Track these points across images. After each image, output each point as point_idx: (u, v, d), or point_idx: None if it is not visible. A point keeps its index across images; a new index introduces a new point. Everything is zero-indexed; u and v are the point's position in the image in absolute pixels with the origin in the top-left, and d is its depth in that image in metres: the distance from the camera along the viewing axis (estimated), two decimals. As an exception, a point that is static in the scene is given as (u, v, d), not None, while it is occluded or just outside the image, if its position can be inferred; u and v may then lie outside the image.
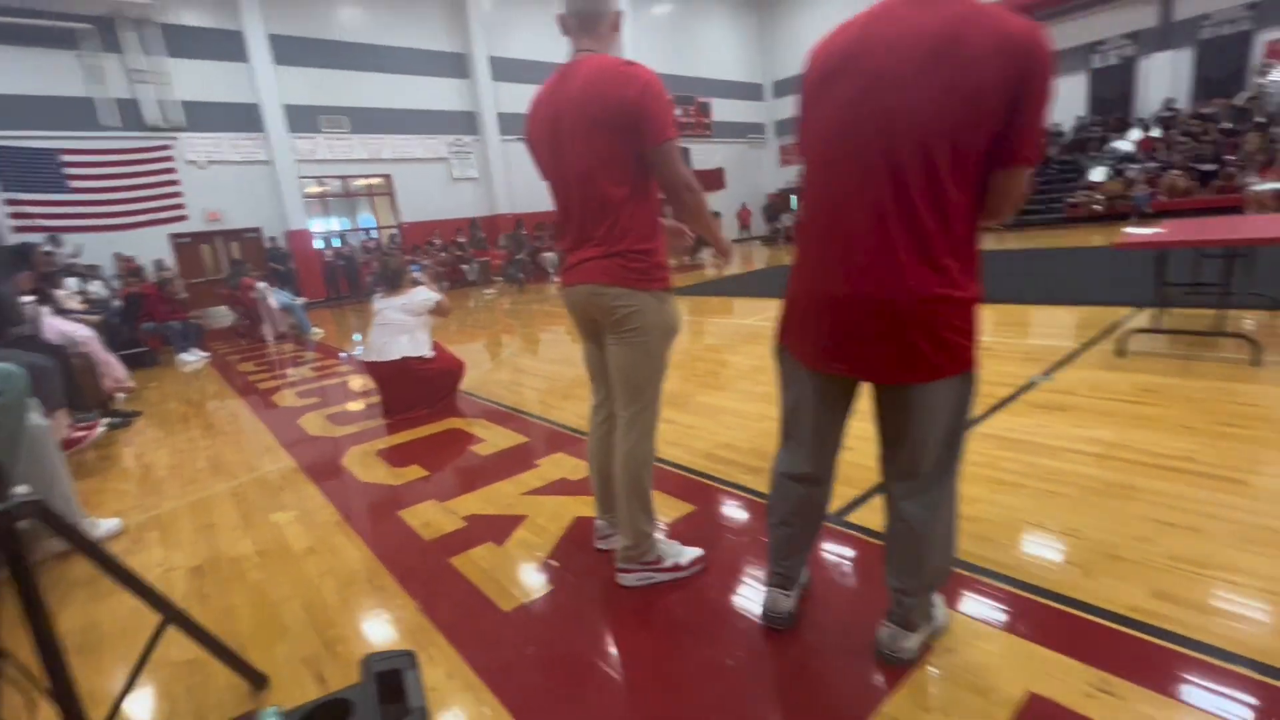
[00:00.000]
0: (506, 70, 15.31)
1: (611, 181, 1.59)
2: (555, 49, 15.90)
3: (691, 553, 1.92)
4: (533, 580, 1.95)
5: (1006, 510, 2.06)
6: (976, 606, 1.61)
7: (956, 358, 1.19)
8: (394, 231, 14.83)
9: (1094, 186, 12.74)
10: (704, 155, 19.88)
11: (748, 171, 20.85)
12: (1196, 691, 1.27)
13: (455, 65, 15.11)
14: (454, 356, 4.06)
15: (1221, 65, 13.45)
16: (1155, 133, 13.31)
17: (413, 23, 14.53)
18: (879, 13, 1.14)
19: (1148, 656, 1.38)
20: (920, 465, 1.30)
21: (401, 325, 3.70)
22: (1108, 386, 3.12)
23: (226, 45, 12.13)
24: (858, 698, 1.35)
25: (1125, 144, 13.42)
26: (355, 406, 4.35)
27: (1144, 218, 11.40)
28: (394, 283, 3.84)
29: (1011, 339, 4.36)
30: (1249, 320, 3.97)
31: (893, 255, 1.13)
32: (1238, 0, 13.00)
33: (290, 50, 12.86)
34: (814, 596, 1.72)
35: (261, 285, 8.23)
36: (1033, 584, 1.67)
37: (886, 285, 1.14)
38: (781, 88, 21.69)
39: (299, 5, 13.04)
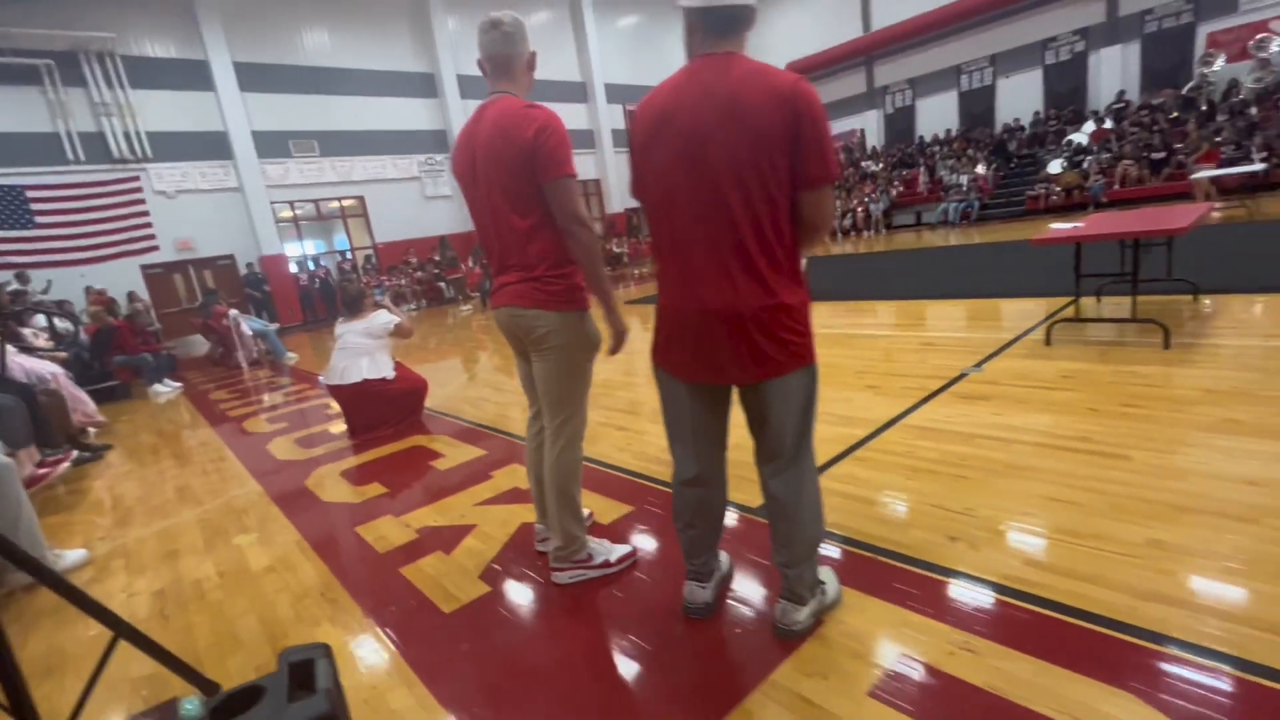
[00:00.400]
0: (475, 88, 15.46)
1: (518, 214, 1.74)
2: (522, 65, 16.08)
3: (621, 550, 2.06)
4: (474, 584, 2.08)
5: (916, 495, 2.23)
6: (868, 582, 1.76)
7: (795, 354, 1.40)
8: (368, 252, 14.90)
9: (1052, 179, 13.11)
10: (676, 163, 20.08)
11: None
12: (1046, 644, 1.43)
13: (423, 85, 15.26)
14: (416, 376, 4.18)
15: (1167, 57, 13.92)
16: (1108, 124, 13.73)
17: (379, 45, 14.67)
18: (682, 80, 1.36)
19: (1009, 618, 1.54)
20: (781, 448, 1.49)
21: (361, 348, 3.82)
22: (1031, 374, 3.31)
23: (191, 75, 12.19)
24: (751, 671, 1.50)
25: (1080, 136, 13.83)
26: (322, 429, 4.45)
27: (1100, 207, 11.78)
28: (354, 307, 3.96)
29: (954, 333, 4.56)
30: (1185, 306, 4.20)
31: (727, 275, 1.35)
32: (1178, -6, 13.49)
33: (256, 77, 12.94)
34: (734, 582, 1.87)
35: (234, 313, 8.29)
36: (921, 559, 1.83)
37: (726, 300, 1.35)
38: (749, 94, 21.98)
39: (263, 32, 13.13)
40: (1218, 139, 10.82)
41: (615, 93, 18.40)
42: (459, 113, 15.28)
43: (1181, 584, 1.57)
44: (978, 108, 16.92)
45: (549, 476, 1.95)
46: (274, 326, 8.79)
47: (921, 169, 15.97)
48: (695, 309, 1.39)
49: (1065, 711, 1.25)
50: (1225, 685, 1.26)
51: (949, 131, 17.28)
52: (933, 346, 4.20)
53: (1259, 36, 12.58)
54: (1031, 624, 1.51)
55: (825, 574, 1.71)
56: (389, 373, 3.89)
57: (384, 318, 3.90)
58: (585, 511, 2.38)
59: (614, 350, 1.87)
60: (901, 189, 16.02)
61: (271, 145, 13.18)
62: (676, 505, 1.67)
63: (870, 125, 19.09)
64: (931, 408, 3.05)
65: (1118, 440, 2.40)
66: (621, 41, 19.01)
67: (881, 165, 17.29)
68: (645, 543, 2.19)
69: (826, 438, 2.86)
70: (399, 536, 2.53)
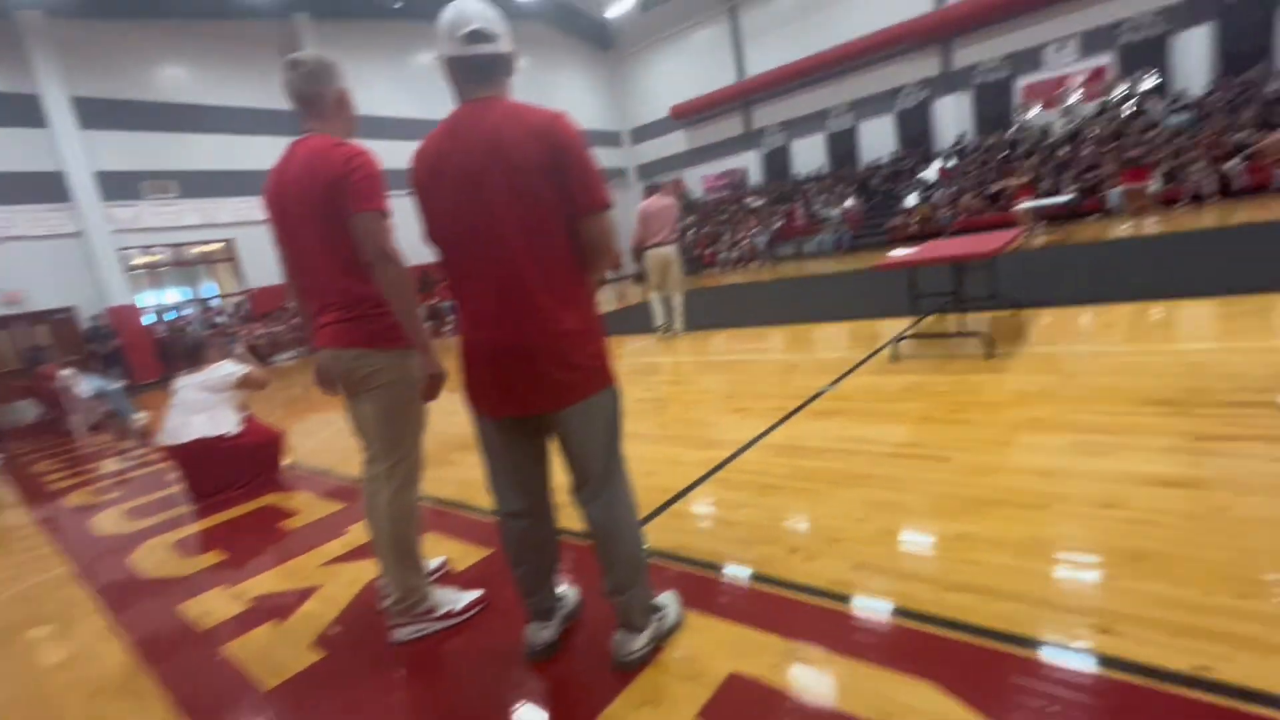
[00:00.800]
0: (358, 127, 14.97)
1: (334, 250, 1.68)
2: (407, 104, 15.85)
3: (468, 597, 1.96)
4: (305, 653, 1.90)
5: (764, 511, 2.30)
6: (711, 602, 1.78)
7: (589, 379, 1.42)
8: (240, 299, 13.82)
9: (908, 211, 14.50)
10: (570, 201, 20.41)
11: (615, 214, 21.61)
12: (863, 644, 1.50)
13: (298, 123, 14.54)
14: (268, 429, 3.84)
15: (993, 105, 15.97)
16: (952, 163, 15.45)
17: (248, 82, 13.90)
18: (450, 126, 1.40)
19: (833, 622, 1.60)
20: (589, 474, 1.50)
21: (197, 404, 3.48)
22: (878, 389, 3.56)
23: (19, 110, 10.96)
24: (586, 708, 1.46)
25: (929, 173, 15.46)
26: (161, 496, 3.98)
27: (951, 235, 13.12)
28: (193, 359, 3.61)
29: (815, 354, 4.85)
30: (1008, 320, 4.70)
31: (513, 309, 1.37)
32: (997, 52, 15.58)
33: (101, 113, 11.84)
34: (583, 617, 1.82)
35: (66, 372, 7.33)
36: (763, 574, 1.88)
37: (515, 333, 1.37)
38: (639, 134, 22.90)
39: (109, 67, 12.09)
40: (1031, 177, 12.44)
41: (505, 133, 18.46)
42: (339, 152, 14.67)
43: (979, 572, 1.70)
44: (843, 148, 18.53)
45: (382, 523, 1.83)
46: (119, 385, 7.85)
47: (799, 204, 17.17)
48: (488, 344, 1.41)
49: (874, 707, 1.31)
50: (1010, 663, 1.37)
51: (821, 169, 18.75)
52: (797, 368, 4.43)
53: (1062, 89, 14.75)
54: (852, 626, 1.58)
55: (666, 599, 1.71)
56: (231, 428, 3.56)
57: (225, 369, 3.57)
58: (438, 559, 2.28)
59: (427, 396, 1.71)
60: (783, 222, 17.11)
61: (120, 186, 12.03)
62: (504, 541, 1.62)
63: (750, 164, 20.35)
64: (789, 426, 3.20)
65: (942, 444, 2.61)
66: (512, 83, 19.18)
67: (763, 201, 18.40)
68: (501, 585, 2.10)
69: (691, 462, 2.91)
70: (228, 609, 2.27)
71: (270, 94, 14.15)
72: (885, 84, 17.32)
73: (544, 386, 1.38)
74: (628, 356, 6.25)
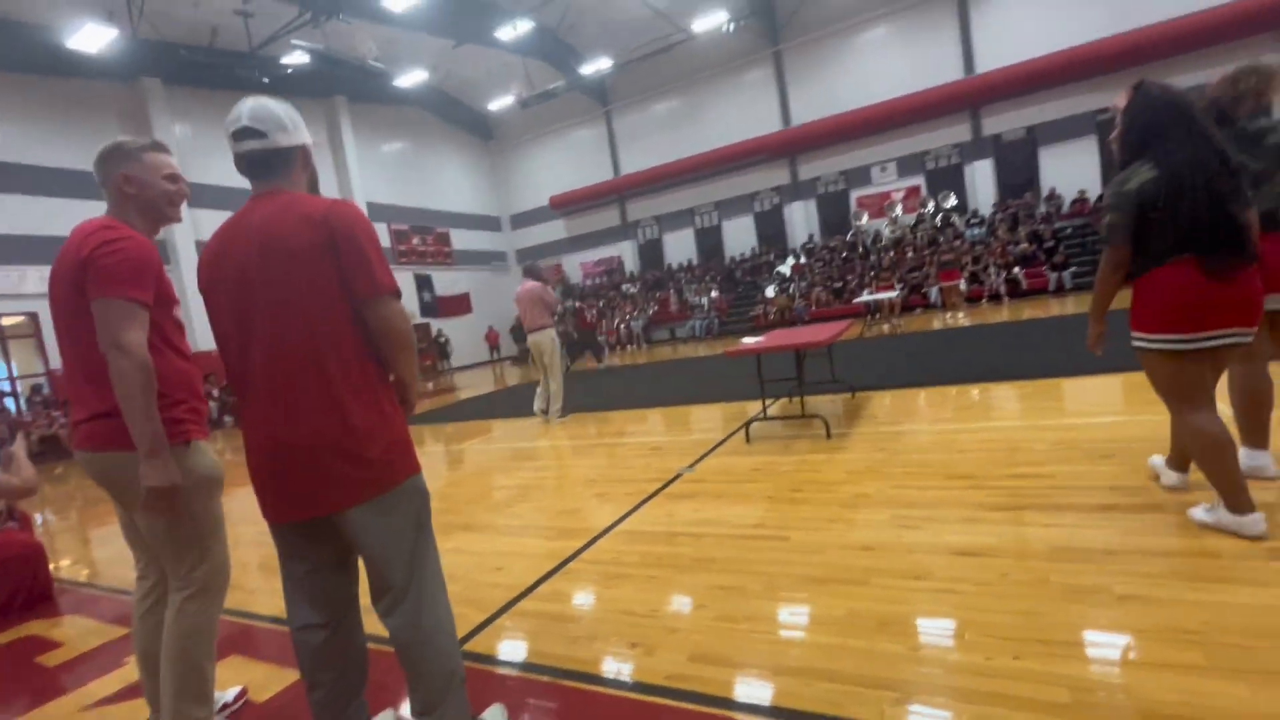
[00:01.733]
0: (209, 197, 13.90)
1: (86, 341, 1.53)
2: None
3: (262, 734, 1.69)
4: (30, 832, 1.52)
5: (609, 604, 2.24)
6: (541, 711, 1.67)
7: (383, 474, 1.34)
8: (39, 381, 11.84)
9: (768, 301, 15.85)
10: (448, 281, 20.23)
11: (494, 296, 21.57)
12: (690, 744, 1.46)
13: (137, 191, 13.29)
14: (23, 542, 3.09)
15: (834, 212, 18.26)
16: (803, 260, 17.27)
17: (78, 143, 12.58)
18: (231, 222, 1.38)
19: (663, 722, 1.56)
20: (389, 581, 1.38)
21: None
22: (732, 470, 3.71)
23: None
24: None
25: (784, 268, 17.13)
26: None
27: (805, 323, 14.43)
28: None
29: (680, 436, 4.99)
30: (845, 402, 5.15)
31: (293, 404, 1.30)
32: (834, 168, 18.00)
33: None
34: (399, 747, 1.63)
35: None
36: (598, 675, 1.80)
37: (293, 430, 1.29)
38: (518, 220, 23.42)
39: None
40: (873, 274, 14.22)
41: (380, 211, 18.15)
42: (187, 223, 13.51)
43: (804, 653, 1.75)
44: (710, 243, 20.14)
45: (167, 644, 1.57)
46: None
47: (671, 291, 18.19)
48: (266, 444, 1.32)
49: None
50: (823, 747, 1.39)
51: (690, 261, 20.13)
52: (660, 450, 4.52)
53: (887, 202, 17.23)
54: (681, 724, 1.54)
55: (491, 714, 1.58)
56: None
57: None
58: (235, 689, 1.98)
59: (151, 506, 1.45)
60: (656, 308, 17.96)
61: (-113, 249, 10.16)
62: (299, 659, 1.44)
63: (626, 254, 21.43)
64: (645, 510, 3.21)
65: (782, 524, 2.74)
66: (387, 166, 19.12)
67: (638, 288, 19.30)
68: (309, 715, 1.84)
69: (542, 554, 2.81)
70: (-68, 784, 1.78)
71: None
72: (744, 188, 19.28)
73: (325, 484, 1.29)
74: (500, 441, 6.06)
